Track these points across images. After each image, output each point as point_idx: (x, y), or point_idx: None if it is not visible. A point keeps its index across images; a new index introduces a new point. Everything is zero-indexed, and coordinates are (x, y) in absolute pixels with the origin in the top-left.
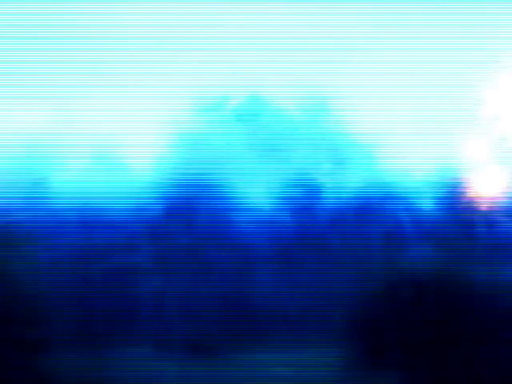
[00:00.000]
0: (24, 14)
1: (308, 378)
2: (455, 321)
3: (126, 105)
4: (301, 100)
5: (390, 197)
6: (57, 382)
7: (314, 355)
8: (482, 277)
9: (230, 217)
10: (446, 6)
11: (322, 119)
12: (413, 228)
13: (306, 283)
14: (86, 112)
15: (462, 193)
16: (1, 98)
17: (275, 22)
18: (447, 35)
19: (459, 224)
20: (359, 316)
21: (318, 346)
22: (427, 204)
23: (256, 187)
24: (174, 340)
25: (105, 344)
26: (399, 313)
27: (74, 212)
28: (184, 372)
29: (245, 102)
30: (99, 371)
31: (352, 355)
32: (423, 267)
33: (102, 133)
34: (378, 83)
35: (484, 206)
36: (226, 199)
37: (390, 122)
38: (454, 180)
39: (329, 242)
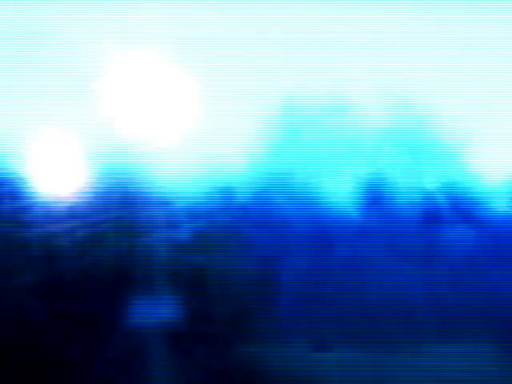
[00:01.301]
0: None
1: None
2: None
3: (217, 104)
4: (385, 99)
5: (470, 198)
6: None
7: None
8: None
9: (322, 216)
10: None
11: (404, 119)
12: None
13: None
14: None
15: None
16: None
17: (360, 22)
18: None
19: None
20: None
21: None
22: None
23: (339, 186)
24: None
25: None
26: None
27: None
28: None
29: (330, 101)
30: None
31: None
32: None
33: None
34: (461, 83)
35: None
36: (314, 198)
37: (474, 122)
38: None
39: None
